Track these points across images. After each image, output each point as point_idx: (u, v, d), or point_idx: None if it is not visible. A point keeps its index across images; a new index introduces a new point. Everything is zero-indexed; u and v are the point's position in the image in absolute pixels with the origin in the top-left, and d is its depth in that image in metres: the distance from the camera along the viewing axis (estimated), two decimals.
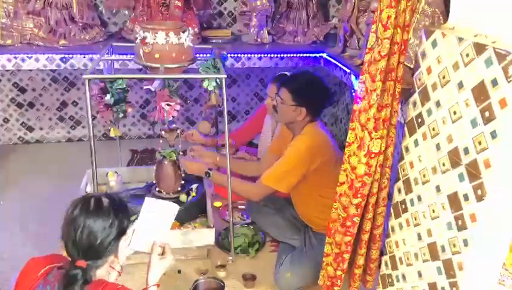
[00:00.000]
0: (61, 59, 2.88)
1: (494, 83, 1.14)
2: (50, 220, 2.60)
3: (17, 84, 3.59)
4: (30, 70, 3.46)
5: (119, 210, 1.35)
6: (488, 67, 1.16)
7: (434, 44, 1.40)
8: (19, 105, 3.66)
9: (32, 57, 2.85)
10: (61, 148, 3.73)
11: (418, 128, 1.51)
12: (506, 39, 1.16)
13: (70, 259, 1.31)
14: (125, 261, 1.46)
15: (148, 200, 1.63)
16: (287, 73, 2.67)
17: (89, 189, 2.63)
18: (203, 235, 2.25)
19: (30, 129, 3.75)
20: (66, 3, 3.09)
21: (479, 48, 1.19)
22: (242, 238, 2.43)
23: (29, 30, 3.03)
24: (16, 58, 2.83)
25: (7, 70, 3.47)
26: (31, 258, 1.38)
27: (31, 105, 3.68)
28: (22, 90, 3.62)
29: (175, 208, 1.63)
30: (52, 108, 3.73)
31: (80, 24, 3.12)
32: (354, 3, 2.73)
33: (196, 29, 3.16)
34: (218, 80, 2.10)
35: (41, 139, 3.80)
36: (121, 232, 1.35)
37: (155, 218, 1.59)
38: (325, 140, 2.16)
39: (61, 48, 3.01)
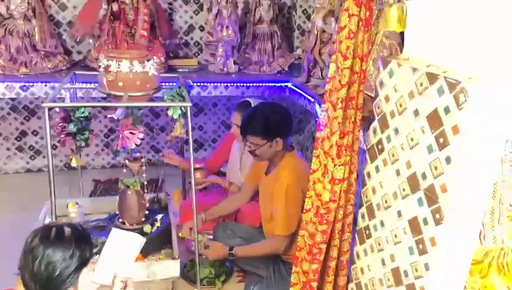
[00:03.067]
0: (21, 87, 2.81)
1: (447, 110, 1.19)
2: (5, 254, 2.46)
3: None
4: None
5: (81, 240, 1.32)
6: (440, 95, 1.21)
7: (391, 73, 1.46)
8: None
9: None
10: (20, 179, 3.58)
11: (379, 154, 1.55)
12: (457, 69, 1.22)
13: None
14: None
15: (114, 231, 1.60)
16: (250, 99, 2.70)
17: (48, 221, 2.52)
18: (168, 267, 2.18)
19: None
20: (27, 31, 3.04)
21: (432, 78, 1.25)
22: (208, 270, 2.38)
23: None
24: None
25: None
26: None
27: None
28: None
29: (140, 240, 1.59)
30: (10, 138, 3.60)
31: (42, 52, 3.06)
32: (317, 34, 2.83)
33: (162, 59, 3.17)
34: (183, 108, 2.10)
35: None
36: (82, 263, 1.31)
37: (120, 250, 1.55)
38: (305, 167, 2.18)
39: (22, 76, 2.93)
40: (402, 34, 1.99)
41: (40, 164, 3.71)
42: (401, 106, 1.41)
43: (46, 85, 2.83)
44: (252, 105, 2.57)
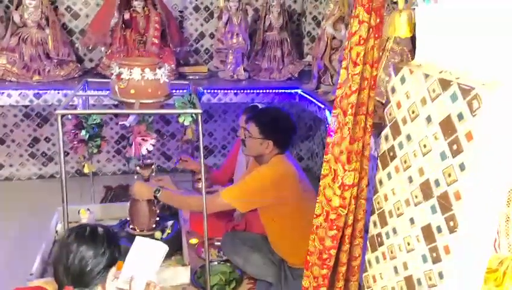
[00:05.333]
0: (34, 95, 2.85)
1: (460, 117, 1.18)
2: (18, 259, 2.49)
3: None
4: (2, 106, 3.40)
5: (112, 241, 1.43)
6: (453, 102, 1.20)
7: (402, 80, 1.45)
8: None
9: (4, 93, 2.81)
10: (32, 186, 3.62)
11: (391, 161, 1.53)
12: (470, 75, 1.21)
13: (57, 286, 1.36)
14: None
15: (139, 239, 1.65)
16: (258, 104, 2.71)
17: (59, 227, 2.55)
18: (178, 274, 2.19)
19: None
20: (41, 39, 3.09)
21: (445, 84, 1.24)
22: (218, 277, 2.37)
23: (1, 66, 2.99)
24: None
25: None
26: (15, 288, 1.42)
27: (1, 141, 3.59)
28: None
29: (164, 248, 1.64)
30: (23, 144, 3.65)
31: (55, 60, 3.11)
32: (327, 41, 2.83)
33: (173, 66, 3.19)
34: (194, 115, 2.11)
35: (10, 176, 3.68)
36: (111, 263, 1.41)
37: (143, 258, 1.60)
38: (290, 171, 2.18)
39: (35, 83, 2.97)
40: (413, 40, 1.99)
41: (52, 171, 3.75)
42: (413, 112, 1.40)
43: (58, 92, 2.87)
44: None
